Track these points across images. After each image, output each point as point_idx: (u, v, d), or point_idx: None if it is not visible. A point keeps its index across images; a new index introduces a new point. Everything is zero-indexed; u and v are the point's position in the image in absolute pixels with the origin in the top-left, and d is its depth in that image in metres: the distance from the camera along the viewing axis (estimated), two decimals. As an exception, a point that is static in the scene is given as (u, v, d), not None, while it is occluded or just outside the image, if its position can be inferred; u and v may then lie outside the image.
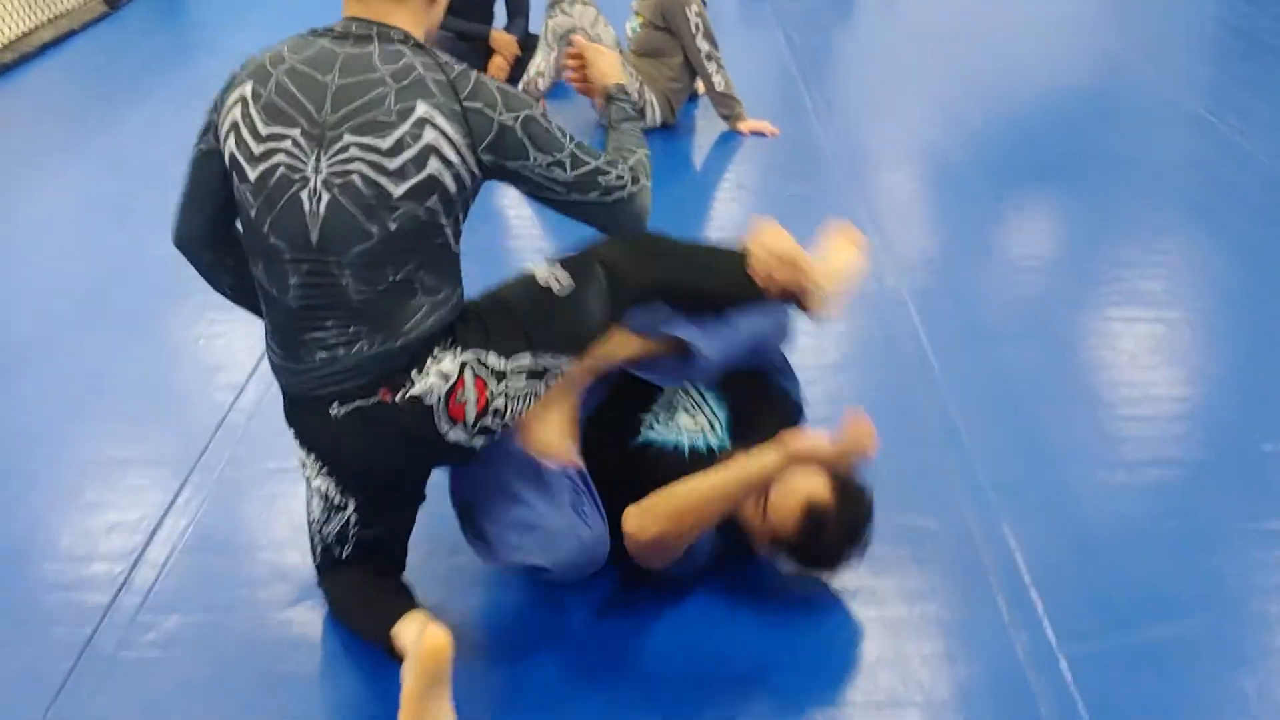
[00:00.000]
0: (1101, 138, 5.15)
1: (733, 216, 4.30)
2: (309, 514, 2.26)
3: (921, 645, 2.30)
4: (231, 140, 2.02)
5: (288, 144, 1.97)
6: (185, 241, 2.24)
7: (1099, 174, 4.74)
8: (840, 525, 2.30)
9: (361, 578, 2.26)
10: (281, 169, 1.97)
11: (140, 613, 2.35)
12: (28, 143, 4.99)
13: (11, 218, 4.19)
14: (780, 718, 2.13)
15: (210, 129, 2.09)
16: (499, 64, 5.54)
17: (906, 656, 2.27)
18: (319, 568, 2.30)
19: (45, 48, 6.02)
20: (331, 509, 2.19)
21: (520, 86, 4.84)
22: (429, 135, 1.94)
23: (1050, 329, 3.50)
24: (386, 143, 1.94)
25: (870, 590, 2.44)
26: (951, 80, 6.05)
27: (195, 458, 2.82)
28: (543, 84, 4.81)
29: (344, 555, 2.24)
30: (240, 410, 3.01)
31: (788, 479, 2.28)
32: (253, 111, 1.99)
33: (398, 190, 1.94)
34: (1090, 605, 2.40)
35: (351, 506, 2.18)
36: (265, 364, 3.17)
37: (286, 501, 2.67)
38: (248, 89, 2.01)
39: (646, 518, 2.21)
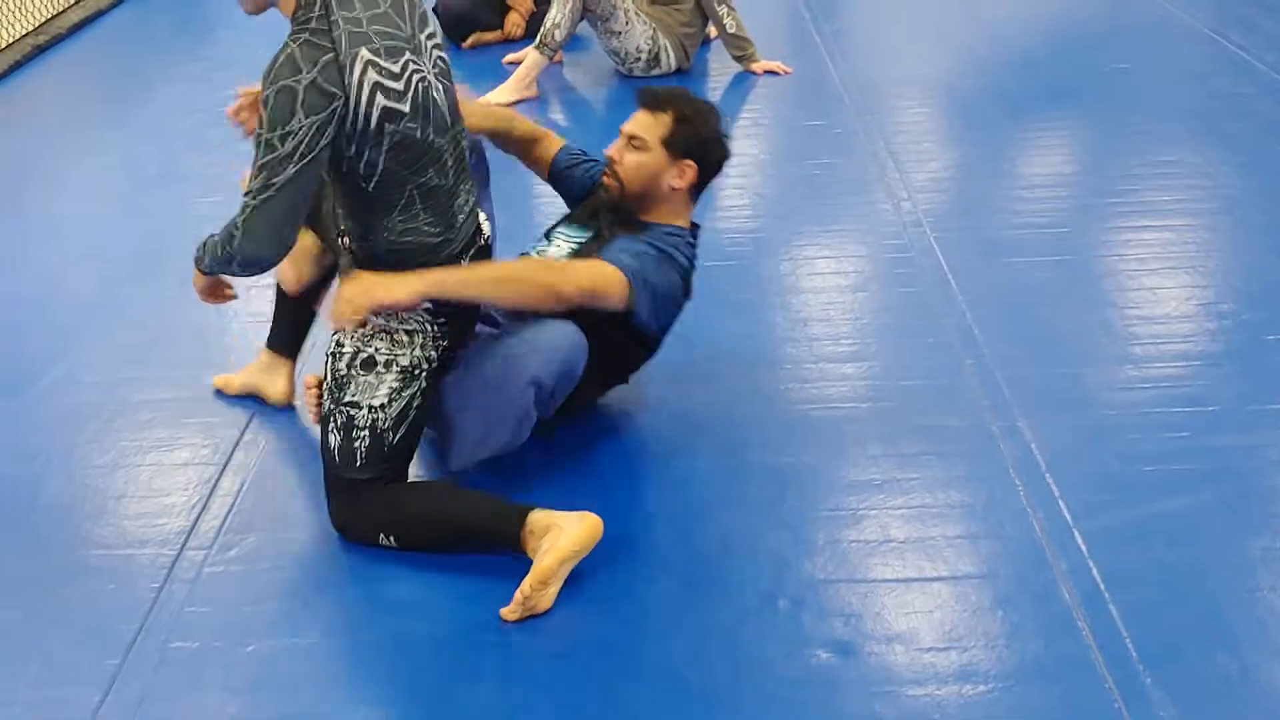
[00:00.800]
0: (1107, 58, 5.25)
1: (751, 153, 4.44)
2: (382, 417, 2.43)
3: (946, 528, 2.47)
4: (380, 97, 2.28)
5: (410, 62, 2.34)
6: (286, 251, 2.36)
7: (1106, 94, 4.85)
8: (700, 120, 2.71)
9: (441, 483, 2.61)
10: (416, 80, 2.35)
11: (221, 534, 2.53)
12: (71, 117, 5.17)
13: (63, 188, 4.37)
14: (812, 596, 2.30)
15: (331, 120, 2.23)
16: (514, 20, 5.68)
17: (932, 538, 2.44)
18: (370, 480, 2.45)
19: (75, 29, 6.19)
20: (424, 385, 2.45)
21: (538, 39, 4.98)
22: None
23: (1062, 241, 3.65)
24: (436, 37, 2.48)
25: (895, 481, 2.60)
26: (958, 10, 6.15)
27: (247, 419, 2.99)
28: (559, 35, 4.94)
29: (405, 449, 2.46)
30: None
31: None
32: (381, 63, 2.28)
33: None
34: (1103, 485, 2.56)
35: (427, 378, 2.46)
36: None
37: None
38: (364, 53, 2.27)
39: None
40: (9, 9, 6.00)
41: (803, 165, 4.28)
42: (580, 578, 2.33)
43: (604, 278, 2.52)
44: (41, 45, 5.87)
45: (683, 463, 2.71)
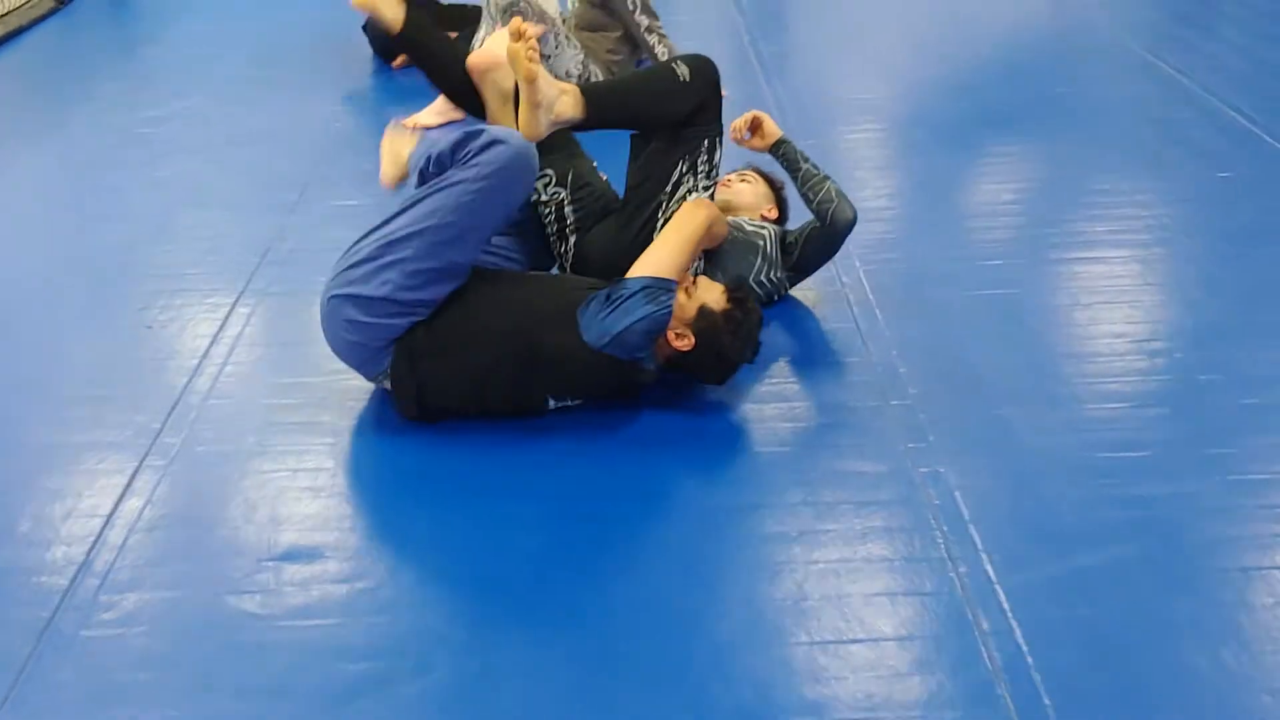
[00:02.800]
0: (1046, 84, 5.20)
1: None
2: None
3: (864, 585, 2.36)
4: None
5: None
6: None
7: (1045, 119, 4.79)
8: (732, 325, 2.80)
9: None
10: None
11: (100, 593, 2.38)
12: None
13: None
14: (723, 661, 2.19)
15: None
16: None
17: (849, 596, 2.33)
18: None
19: (-8, 46, 6.02)
20: None
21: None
22: None
23: (994, 274, 3.55)
24: None
25: (813, 533, 2.50)
26: (897, 34, 6.09)
27: (150, 441, 2.85)
28: (487, 57, 4.81)
29: None
30: (194, 392, 3.04)
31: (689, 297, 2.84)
32: None
33: None
34: (1028, 536, 2.47)
35: None
36: (218, 348, 3.22)
37: (240, 481, 2.72)
38: None
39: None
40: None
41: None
42: (477, 645, 2.21)
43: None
44: (-45, 63, 5.69)
45: (592, 505, 2.60)
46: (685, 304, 2.84)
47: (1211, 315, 3.30)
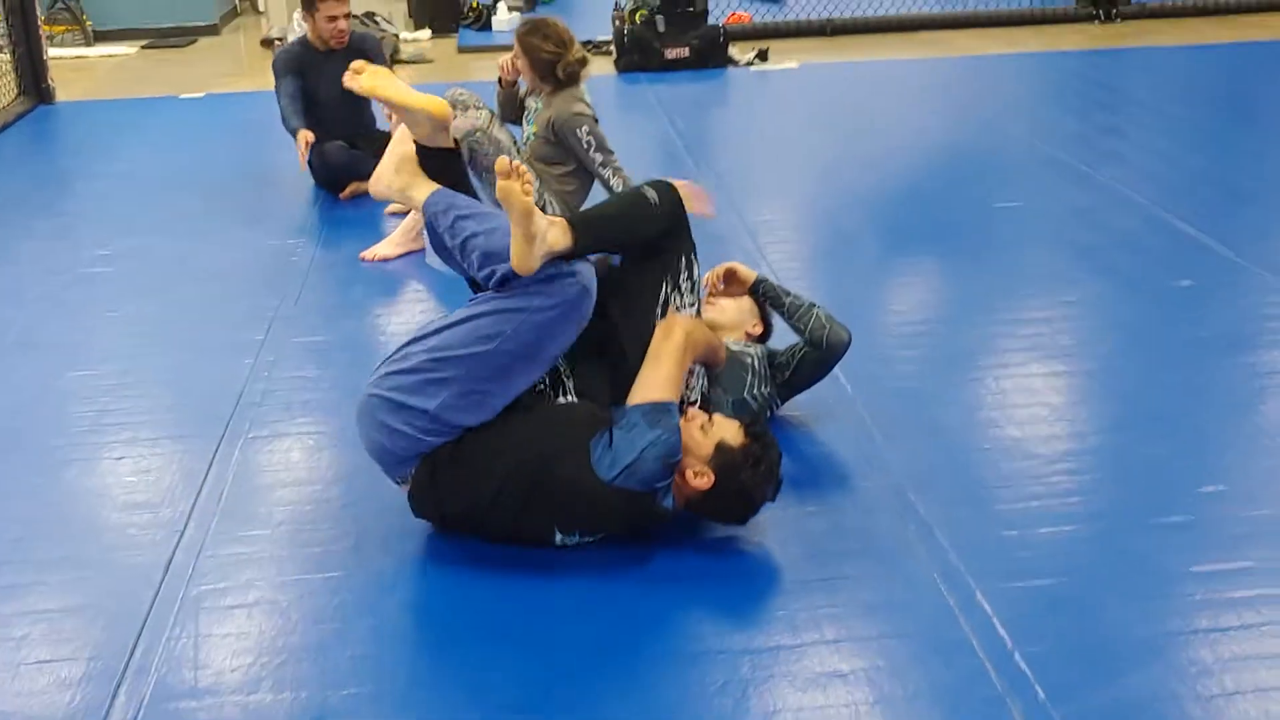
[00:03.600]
0: (988, 196, 5.32)
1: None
2: None
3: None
4: None
5: None
6: None
7: (989, 232, 4.89)
8: (752, 461, 2.75)
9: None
10: None
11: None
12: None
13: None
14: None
15: None
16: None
17: None
18: None
19: (-83, 185, 5.85)
20: None
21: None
22: None
23: (951, 388, 3.59)
24: None
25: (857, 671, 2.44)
26: (834, 149, 6.22)
27: (148, 602, 2.70)
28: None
29: None
30: (186, 548, 2.91)
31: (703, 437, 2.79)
32: None
33: None
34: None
35: None
36: (205, 495, 3.10)
37: (251, 639, 2.59)
38: None
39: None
40: None
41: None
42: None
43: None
44: (-118, 204, 5.51)
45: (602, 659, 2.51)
46: (702, 441, 2.81)
47: (1169, 405, 3.35)
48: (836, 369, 3.36)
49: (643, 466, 2.70)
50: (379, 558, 2.84)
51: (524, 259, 2.86)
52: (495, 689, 2.41)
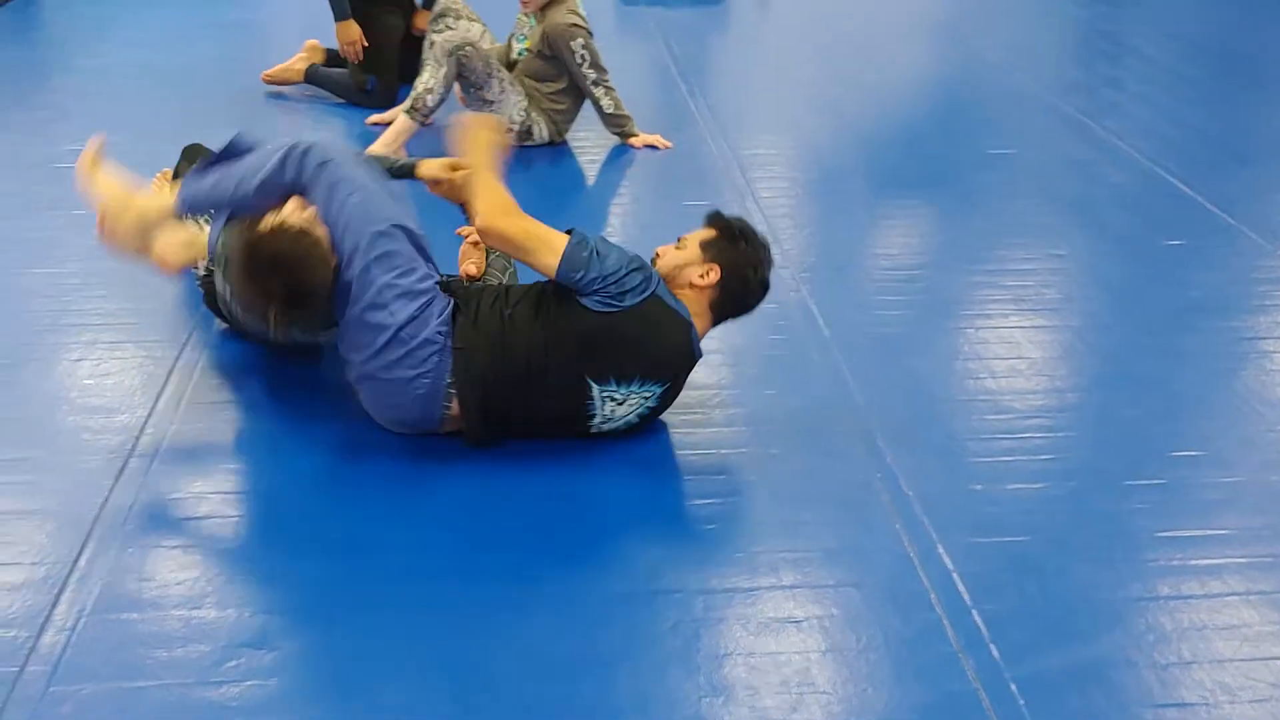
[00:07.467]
0: (984, 143, 5.23)
1: (629, 230, 4.25)
2: None
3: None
4: None
5: None
6: None
7: (983, 178, 4.81)
8: (737, 233, 2.92)
9: None
10: None
11: (52, 683, 2.19)
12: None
13: None
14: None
15: None
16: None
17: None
18: None
19: (-109, 68, 5.71)
20: None
21: (409, 103, 4.72)
22: None
23: (931, 336, 3.54)
24: None
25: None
26: (832, 85, 6.10)
27: (97, 509, 2.66)
28: (431, 101, 4.69)
29: None
30: (141, 455, 2.85)
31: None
32: None
33: None
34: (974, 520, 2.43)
35: None
36: (163, 403, 3.04)
37: (199, 553, 2.54)
38: None
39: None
40: None
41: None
42: None
43: (537, 239, 2.80)
44: None
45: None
46: (687, 254, 2.90)
47: (1148, 367, 3.30)
48: (815, 311, 3.30)
49: (624, 279, 2.78)
50: (341, 471, 2.80)
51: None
52: (441, 624, 2.37)
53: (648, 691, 2.20)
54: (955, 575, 2.50)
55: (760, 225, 4.10)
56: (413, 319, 2.75)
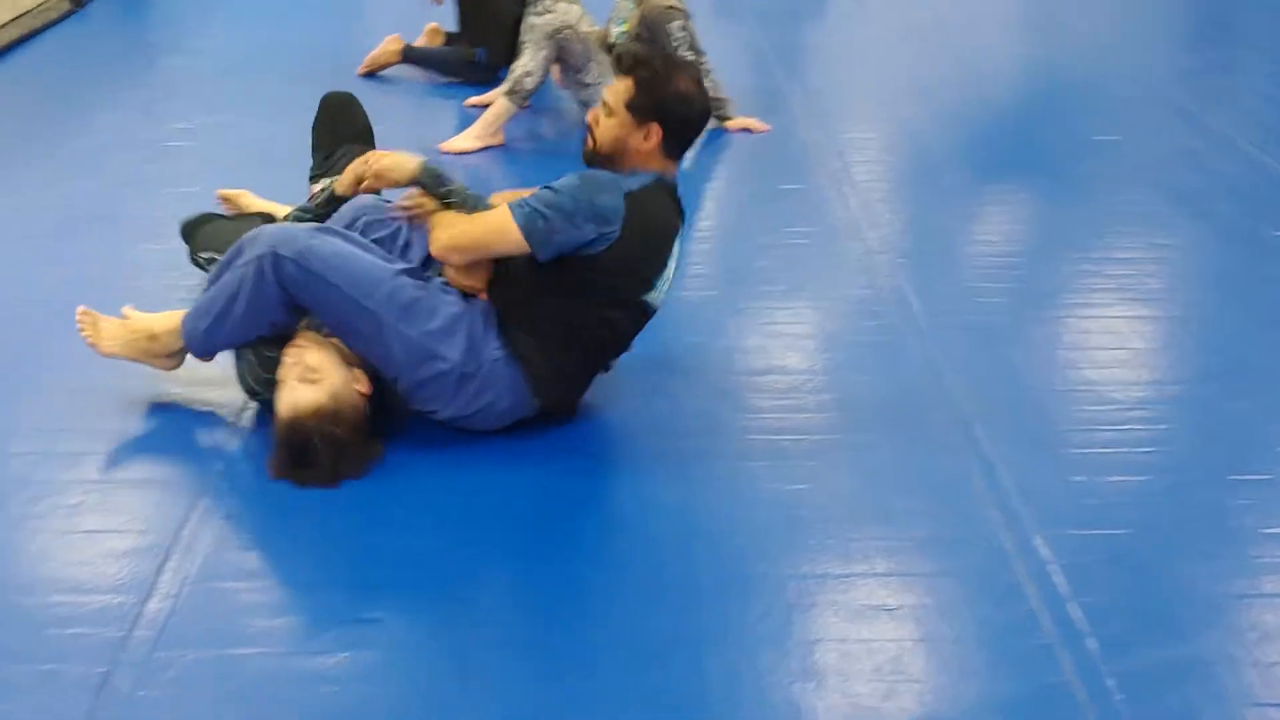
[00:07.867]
0: (1087, 129, 5.13)
1: (724, 214, 4.24)
2: None
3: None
4: None
5: None
6: None
7: (1086, 166, 4.71)
8: (655, 70, 2.83)
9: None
10: None
11: (156, 648, 2.25)
12: (-2, 145, 4.85)
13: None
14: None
15: None
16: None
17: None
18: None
19: (10, 46, 5.87)
20: None
21: (508, 85, 4.75)
22: None
23: (1030, 325, 3.50)
24: None
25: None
26: (930, 72, 6.02)
27: (204, 477, 2.72)
28: (530, 83, 4.72)
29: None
30: (251, 431, 2.91)
31: None
32: None
33: None
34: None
35: None
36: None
37: (299, 525, 2.60)
38: None
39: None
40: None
41: (778, 233, 4.05)
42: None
43: (490, 231, 2.73)
44: (-29, 65, 5.55)
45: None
46: (615, 120, 2.79)
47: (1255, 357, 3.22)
48: (910, 298, 3.26)
49: (599, 214, 2.70)
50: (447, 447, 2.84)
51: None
52: (534, 603, 2.39)
53: (738, 675, 2.20)
54: (1052, 567, 2.46)
55: (856, 210, 4.13)
56: (467, 350, 2.75)
